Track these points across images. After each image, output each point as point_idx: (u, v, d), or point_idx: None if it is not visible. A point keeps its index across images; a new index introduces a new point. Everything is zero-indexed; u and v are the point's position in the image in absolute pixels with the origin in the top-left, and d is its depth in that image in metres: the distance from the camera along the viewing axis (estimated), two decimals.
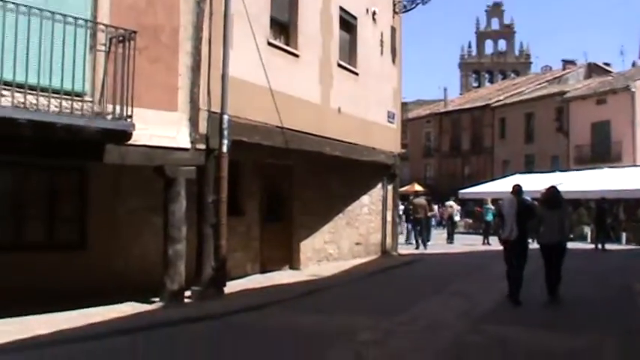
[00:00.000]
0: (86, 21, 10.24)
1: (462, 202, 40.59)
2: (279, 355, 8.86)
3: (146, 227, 13.21)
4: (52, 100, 9.62)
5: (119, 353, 8.77)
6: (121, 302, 11.56)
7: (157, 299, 11.84)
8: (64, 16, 9.72)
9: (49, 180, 12.51)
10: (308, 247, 18.47)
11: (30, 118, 9.16)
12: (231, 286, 13.46)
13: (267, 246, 16.80)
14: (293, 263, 17.86)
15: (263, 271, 16.52)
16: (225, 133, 12.62)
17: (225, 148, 12.66)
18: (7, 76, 9.15)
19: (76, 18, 9.90)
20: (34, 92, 9.36)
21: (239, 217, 15.39)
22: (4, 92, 9.14)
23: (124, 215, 13.17)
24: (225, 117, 12.60)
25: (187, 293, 12.31)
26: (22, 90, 9.27)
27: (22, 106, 9.25)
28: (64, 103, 9.74)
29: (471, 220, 41.08)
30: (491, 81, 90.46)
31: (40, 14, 9.44)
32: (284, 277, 16.23)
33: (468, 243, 29.99)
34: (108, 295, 11.45)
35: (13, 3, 9.23)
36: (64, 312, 10.66)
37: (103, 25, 10.50)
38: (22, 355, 8.46)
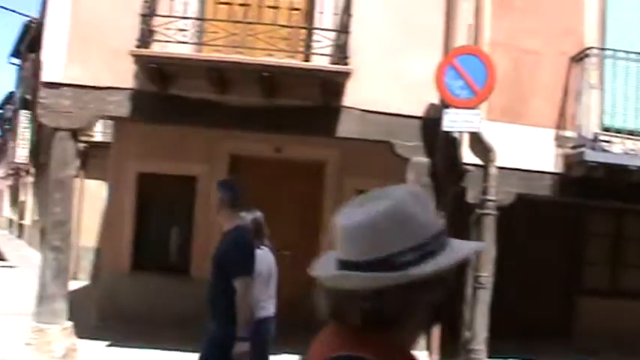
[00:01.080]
0: None
1: None
2: None
3: None
4: None
5: None
6: None
7: None
8: None
9: None
10: None
11: None
12: None
13: None
14: None
15: None
16: None
17: None
18: (617, 123, 8.82)
19: None
20: None
21: None
22: (614, 139, 8.76)
23: None
24: None
25: None
26: (632, 137, 8.81)
27: (632, 152, 8.77)
28: None
29: None
30: None
31: None
32: None
33: None
34: None
35: (622, 51, 8.82)
36: None
37: None
38: None
